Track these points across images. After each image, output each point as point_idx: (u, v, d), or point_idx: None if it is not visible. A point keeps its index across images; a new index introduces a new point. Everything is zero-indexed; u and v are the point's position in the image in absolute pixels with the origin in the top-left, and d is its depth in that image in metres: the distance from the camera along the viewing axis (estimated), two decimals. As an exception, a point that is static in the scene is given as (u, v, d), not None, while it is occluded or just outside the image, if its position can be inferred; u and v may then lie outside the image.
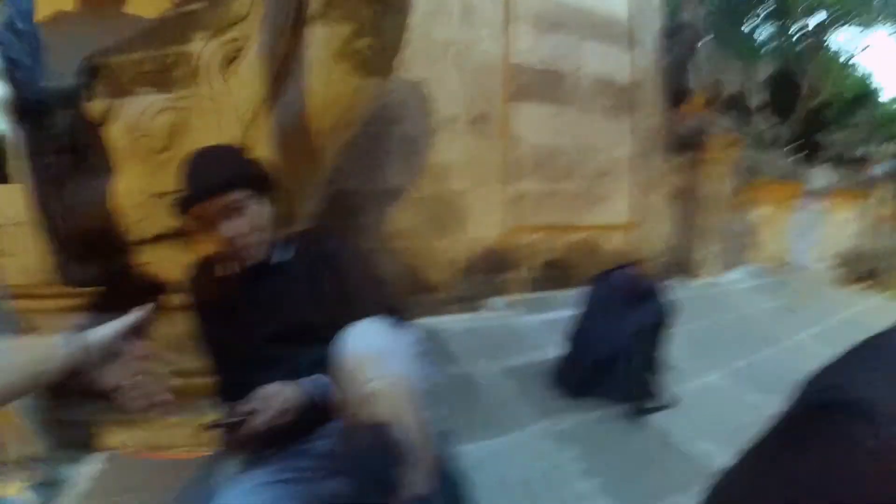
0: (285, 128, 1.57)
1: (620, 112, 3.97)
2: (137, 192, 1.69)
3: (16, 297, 2.05)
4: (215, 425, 1.00)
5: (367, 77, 1.52)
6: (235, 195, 1.10)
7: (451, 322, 2.82)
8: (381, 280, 1.31)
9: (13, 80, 1.28)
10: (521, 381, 2.18)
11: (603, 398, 2.00)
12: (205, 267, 1.28)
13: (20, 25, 1.29)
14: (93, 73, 1.67)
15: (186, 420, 1.67)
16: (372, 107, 1.70)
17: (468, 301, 3.07)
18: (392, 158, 2.86)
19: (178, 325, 1.82)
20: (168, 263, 1.81)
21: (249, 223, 1.12)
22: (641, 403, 1.93)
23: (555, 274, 3.63)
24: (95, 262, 1.89)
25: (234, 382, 1.21)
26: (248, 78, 1.58)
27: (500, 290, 3.37)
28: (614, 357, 1.99)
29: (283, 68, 1.55)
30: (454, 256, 3.07)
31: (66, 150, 1.78)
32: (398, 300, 1.30)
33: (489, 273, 3.36)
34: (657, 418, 1.88)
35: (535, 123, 3.53)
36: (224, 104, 1.58)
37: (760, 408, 1.96)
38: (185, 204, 1.12)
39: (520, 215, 3.49)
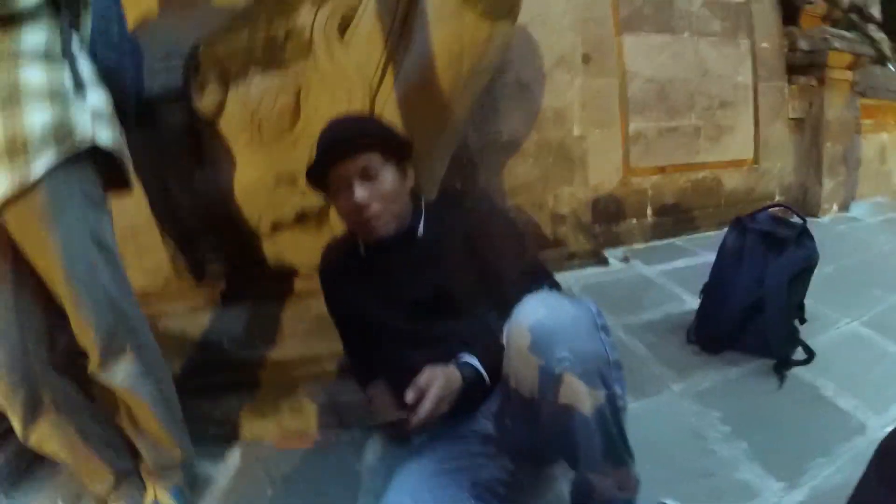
0: (412, 88, 1.39)
1: (737, 33, 3.53)
2: (264, 179, 1.58)
3: (144, 299, 2.08)
4: (380, 424, 0.97)
5: (497, 21, 1.31)
6: (369, 158, 1.05)
7: (571, 278, 2.65)
8: (527, 245, 1.26)
9: (118, 88, 1.23)
10: (653, 338, 2.01)
11: (744, 352, 1.83)
12: (339, 245, 1.26)
13: (115, 32, 1.24)
14: (199, 64, 1.57)
15: (322, 403, 1.64)
16: (502, 54, 1.50)
17: (587, 255, 2.86)
18: (505, 107, 2.63)
19: (308, 312, 1.81)
20: (300, 249, 1.72)
21: (383, 189, 1.07)
22: (786, 357, 1.74)
23: (674, 218, 3.37)
24: (226, 253, 1.84)
25: (377, 362, 1.23)
26: (367, 40, 1.40)
27: (619, 240, 3.16)
28: (757, 308, 1.80)
29: (402, 24, 1.37)
30: (574, 207, 2.85)
31: (184, 147, 1.69)
32: (544, 265, 1.22)
33: (608, 222, 3.15)
34: (800, 372, 1.70)
35: (648, 55, 3.21)
36: (345, 73, 1.42)
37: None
38: (319, 169, 1.08)
39: (638, 156, 3.23)
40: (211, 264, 1.91)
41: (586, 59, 2.85)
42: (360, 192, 1.04)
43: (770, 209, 2.01)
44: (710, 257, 2.92)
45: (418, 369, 1.10)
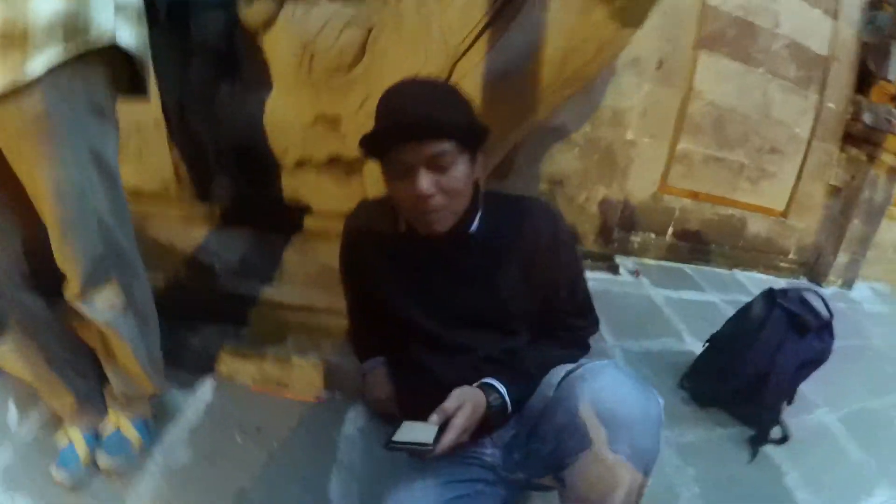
0: (502, 71, 1.17)
1: (809, 85, 3.33)
2: (302, 114, 1.37)
3: (137, 198, 1.90)
4: (398, 446, 0.84)
5: (624, 27, 1.10)
6: (444, 146, 0.87)
7: None
8: (583, 272, 1.11)
9: None
10: (648, 372, 1.94)
11: (730, 415, 1.80)
12: (378, 210, 1.08)
13: None
14: None
15: (308, 361, 1.51)
16: (609, 65, 1.31)
17: (601, 258, 2.75)
18: None
19: (313, 256, 1.65)
20: (322, 192, 1.54)
21: (452, 183, 0.90)
22: (765, 432, 1.73)
23: (692, 246, 3.27)
24: (237, 178, 1.66)
25: (384, 340, 1.18)
26: (467, 1, 1.17)
27: (632, 251, 3.07)
28: (760, 380, 1.75)
29: (515, -1, 1.13)
30: (604, 209, 2.72)
31: (216, 58, 1.46)
32: (591, 299, 1.13)
33: (628, 230, 3.03)
34: (770, 451, 1.68)
35: (718, 78, 3.02)
36: (430, 28, 1.18)
37: (865, 468, 1.74)
38: (381, 143, 0.90)
39: (678, 176, 3.09)
40: (219, 183, 1.72)
41: (660, 64, 2.65)
42: (426, 182, 0.88)
43: (803, 290, 1.94)
44: (716, 297, 2.94)
45: (434, 373, 1.04)
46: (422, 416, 0.87)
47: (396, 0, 1.22)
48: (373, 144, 0.92)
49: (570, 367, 0.94)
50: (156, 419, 1.32)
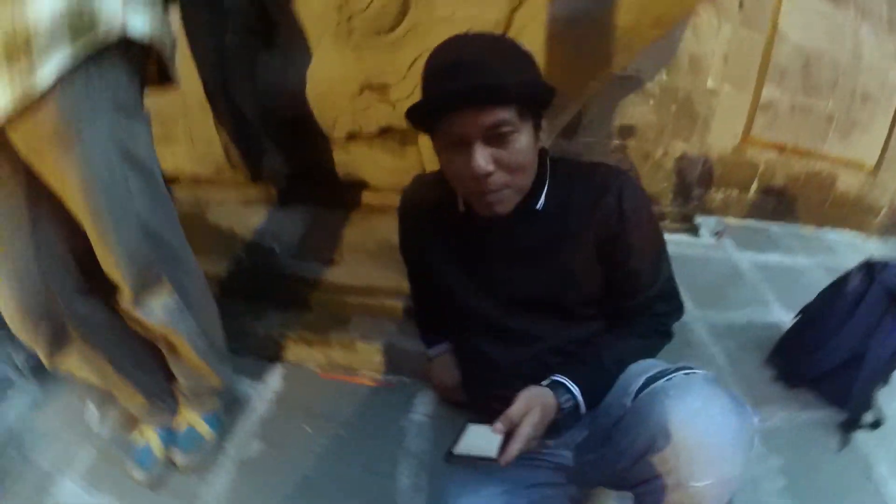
0: (573, 18, 0.99)
1: (904, 26, 2.90)
2: (347, 82, 1.26)
3: (194, 184, 1.89)
4: (460, 460, 0.77)
5: None
6: (506, 114, 0.74)
7: None
8: (666, 254, 0.95)
9: None
10: (733, 347, 1.76)
11: (819, 396, 1.62)
12: (433, 186, 0.98)
13: None
14: None
15: (373, 345, 1.44)
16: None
17: (679, 218, 2.52)
18: None
19: (373, 232, 1.57)
20: (376, 166, 1.45)
21: (513, 157, 0.77)
22: (858, 416, 1.55)
23: (777, 202, 2.95)
24: (289, 154, 1.59)
25: (448, 323, 1.11)
26: None
27: (713, 209, 2.79)
28: (854, 360, 1.58)
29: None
30: (683, 166, 2.48)
31: (250, 26, 1.36)
32: (675, 283, 0.97)
33: (709, 187, 2.77)
34: (863, 440, 1.50)
35: (804, 19, 2.65)
36: None
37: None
38: (430, 115, 0.77)
39: (762, 127, 2.76)
40: (270, 160, 1.66)
41: (741, 4, 2.33)
42: (483, 158, 0.75)
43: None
44: (806, 261, 2.68)
45: (498, 364, 0.97)
46: (489, 407, 0.80)
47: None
48: (420, 116, 0.79)
49: (650, 370, 0.82)
50: (227, 411, 1.31)
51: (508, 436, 0.75)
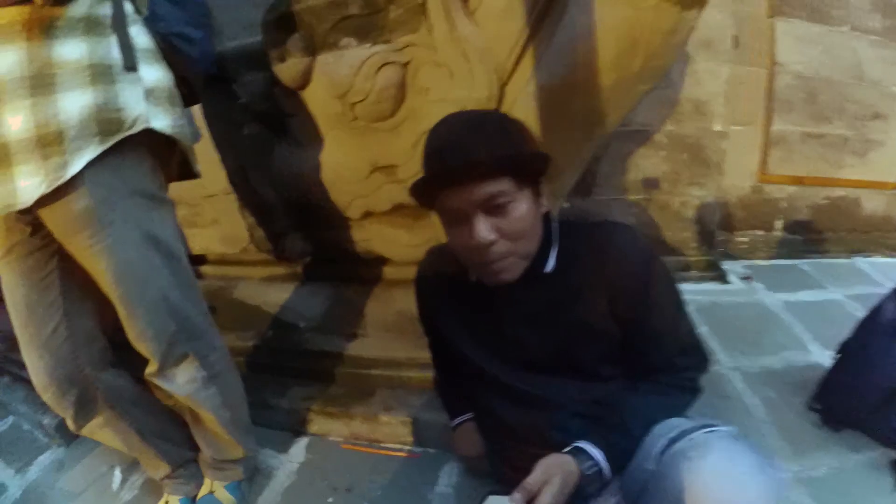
0: (560, 83, 1.04)
1: (901, 36, 2.87)
2: (356, 165, 1.32)
3: (221, 263, 1.97)
4: None
5: (686, 10, 0.92)
6: (501, 185, 0.76)
7: (685, 294, 2.31)
8: (683, 304, 0.91)
9: (182, 56, 1.02)
10: (772, 395, 1.67)
11: (866, 436, 1.51)
12: (445, 258, 0.98)
13: None
14: (281, 25, 1.27)
15: (397, 417, 1.43)
16: (679, 52, 1.13)
17: (706, 267, 2.47)
18: None
19: (394, 304, 1.59)
20: (392, 242, 1.49)
21: (514, 225, 0.78)
22: None
23: (805, 238, 2.88)
24: (309, 234, 1.65)
25: (468, 392, 1.08)
26: (502, 13, 1.05)
27: (740, 253, 2.73)
28: None
29: (552, -1, 1.00)
30: (702, 213, 2.43)
31: (265, 118, 1.46)
32: (696, 332, 0.93)
33: (732, 231, 2.72)
34: None
35: (800, 46, 2.67)
36: (468, 52, 1.08)
37: None
38: (429, 190, 0.80)
39: (777, 162, 2.74)
40: (291, 240, 1.73)
41: (735, 42, 2.36)
42: (484, 229, 0.77)
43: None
44: (840, 294, 2.56)
45: (517, 429, 0.94)
46: (511, 477, 0.77)
47: (427, 31, 1.12)
48: (422, 193, 0.82)
49: (672, 430, 0.78)
50: (251, 481, 1.32)
51: None
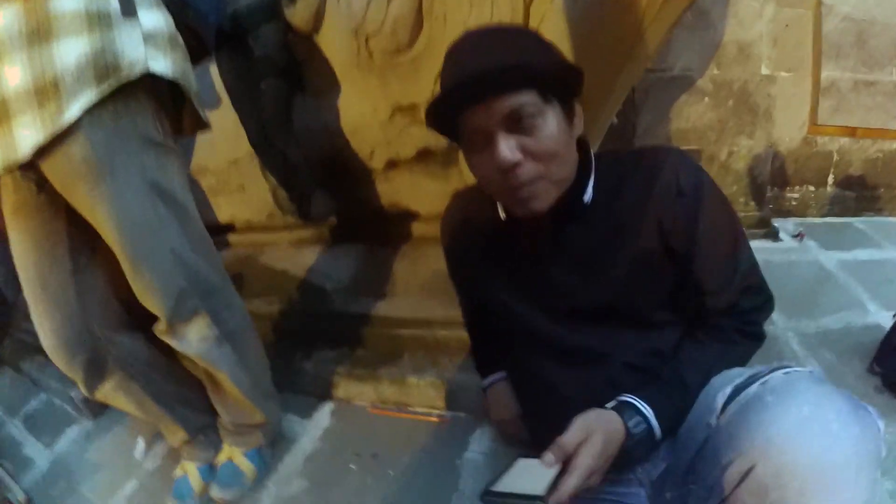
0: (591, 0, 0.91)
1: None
2: (377, 109, 1.23)
3: (249, 230, 1.93)
4: (497, 498, 0.62)
5: None
6: (522, 99, 0.66)
7: None
8: (743, 238, 0.78)
9: (192, 7, 1.00)
10: (831, 357, 1.53)
11: None
12: (472, 199, 0.90)
13: None
14: None
15: (426, 379, 1.35)
16: None
17: (756, 223, 2.29)
18: (678, 37, 2.01)
19: (425, 263, 1.51)
20: (420, 192, 1.40)
21: (541, 144, 0.68)
22: None
23: (858, 194, 2.69)
24: (332, 192, 1.57)
25: (504, 349, 0.97)
26: None
27: (791, 211, 2.55)
28: None
29: None
30: (751, 164, 2.25)
31: (281, 71, 1.38)
32: (759, 269, 0.80)
33: (782, 186, 2.54)
34: None
35: None
36: None
37: None
38: (446, 110, 0.70)
39: (828, 112, 2.54)
40: (317, 200, 1.66)
41: (779, -19, 2.16)
42: (508, 147, 0.67)
43: None
44: (897, 253, 2.37)
45: (560, 387, 0.83)
46: (551, 443, 0.66)
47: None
48: (440, 117, 0.72)
49: (738, 377, 0.66)
50: (273, 446, 1.28)
51: (564, 470, 0.62)
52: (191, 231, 0.98)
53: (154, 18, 0.88)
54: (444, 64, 0.72)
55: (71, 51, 0.77)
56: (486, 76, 0.65)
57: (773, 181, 2.47)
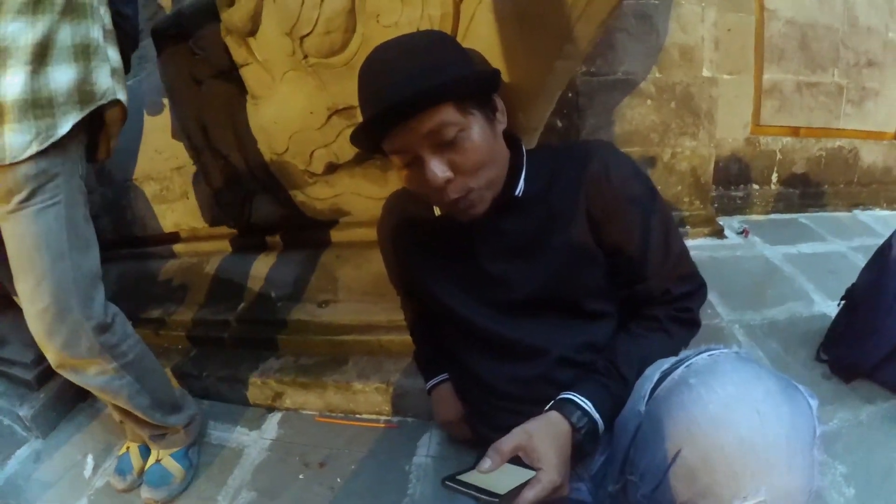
0: None
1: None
2: (314, 110, 1.19)
3: (194, 239, 1.86)
4: (456, 487, 0.59)
5: None
6: (444, 115, 0.65)
7: None
8: (672, 223, 0.80)
9: (122, 34, 1.06)
10: (777, 348, 1.55)
11: (881, 386, 1.40)
12: (408, 198, 0.90)
13: None
14: None
15: (371, 385, 1.32)
16: None
17: (702, 222, 2.32)
18: (621, 41, 2.03)
19: (367, 267, 1.48)
20: (360, 197, 1.37)
21: (468, 157, 0.68)
22: None
23: (801, 191, 2.74)
24: (275, 197, 1.52)
25: (445, 348, 0.95)
26: None
27: (736, 209, 2.59)
28: None
29: None
30: (695, 165, 2.27)
31: (223, 74, 1.34)
32: (689, 256, 0.81)
33: (727, 186, 2.57)
34: None
35: None
36: None
37: None
38: (369, 133, 0.69)
39: (771, 113, 2.59)
40: (259, 205, 1.61)
41: (722, -15, 2.20)
42: (437, 167, 0.67)
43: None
44: (841, 246, 2.44)
45: (496, 385, 0.82)
46: (495, 438, 0.65)
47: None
48: (363, 141, 0.72)
49: (666, 364, 0.64)
50: (198, 444, 1.29)
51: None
52: (91, 265, 0.99)
53: (115, 54, 1.00)
54: (359, 87, 0.71)
55: (63, 76, 0.88)
56: (400, 103, 0.63)
57: (717, 180, 2.51)
